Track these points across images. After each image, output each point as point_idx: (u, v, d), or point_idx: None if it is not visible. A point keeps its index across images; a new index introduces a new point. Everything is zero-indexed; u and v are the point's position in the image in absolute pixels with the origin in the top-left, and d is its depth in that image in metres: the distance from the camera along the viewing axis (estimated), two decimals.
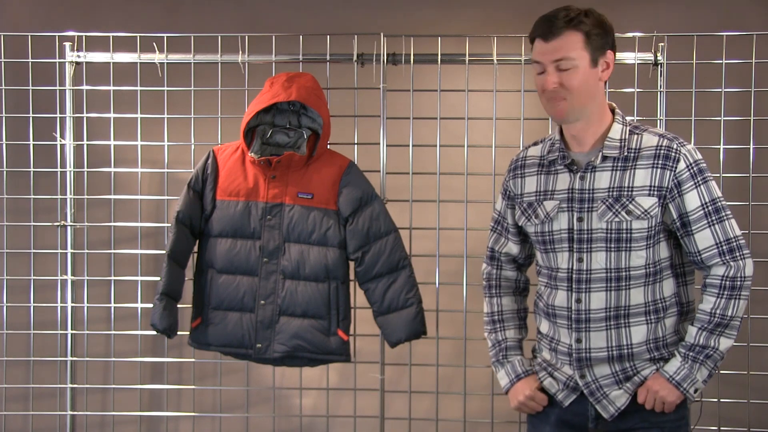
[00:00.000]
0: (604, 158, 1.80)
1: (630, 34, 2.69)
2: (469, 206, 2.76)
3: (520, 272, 2.07)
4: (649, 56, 2.70)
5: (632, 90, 2.74)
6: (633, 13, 3.28)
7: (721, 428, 2.79)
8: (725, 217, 1.78)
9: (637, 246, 1.78)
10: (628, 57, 2.71)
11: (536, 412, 1.93)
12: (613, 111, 1.86)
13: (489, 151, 2.79)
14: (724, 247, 1.77)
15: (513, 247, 2.03)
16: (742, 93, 2.82)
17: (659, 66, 2.71)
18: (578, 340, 1.82)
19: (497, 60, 2.72)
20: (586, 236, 1.80)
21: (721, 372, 2.75)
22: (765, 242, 2.96)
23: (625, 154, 1.79)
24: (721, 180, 2.73)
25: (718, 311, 1.76)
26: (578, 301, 1.81)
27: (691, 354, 1.77)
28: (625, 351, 1.80)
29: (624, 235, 1.77)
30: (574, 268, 1.82)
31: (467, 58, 2.74)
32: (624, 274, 1.79)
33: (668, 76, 2.73)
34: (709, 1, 3.28)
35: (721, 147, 2.75)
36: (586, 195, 1.81)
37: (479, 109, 3.00)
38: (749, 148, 2.75)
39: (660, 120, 2.71)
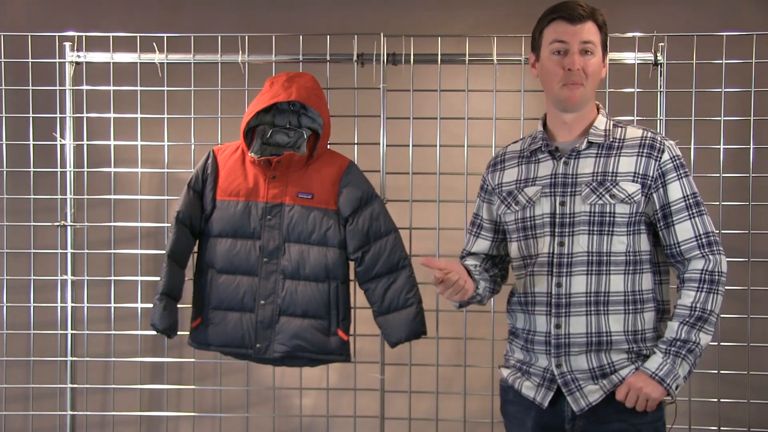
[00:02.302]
0: (590, 144, 1.84)
1: (630, 34, 2.69)
2: (469, 206, 2.76)
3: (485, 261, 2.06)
4: (649, 56, 2.70)
5: (632, 90, 2.74)
6: (633, 13, 3.28)
7: (721, 428, 2.79)
8: (704, 212, 1.82)
9: (619, 231, 1.79)
10: (628, 57, 2.71)
11: (512, 415, 1.93)
12: (597, 108, 1.92)
13: (489, 151, 2.78)
14: (703, 240, 1.79)
15: (482, 244, 2.04)
16: (742, 93, 2.82)
17: (659, 66, 2.71)
18: (557, 326, 1.81)
19: (497, 60, 2.72)
20: (568, 220, 1.82)
21: (721, 372, 2.75)
22: (765, 242, 2.96)
23: (610, 142, 1.84)
24: (721, 180, 2.73)
25: (698, 305, 1.76)
26: (558, 285, 1.81)
27: (672, 349, 1.76)
28: (605, 338, 1.79)
29: (607, 219, 1.79)
30: (555, 252, 1.83)
31: (467, 58, 2.74)
32: (605, 258, 1.79)
33: (668, 76, 2.73)
34: (709, 1, 3.28)
35: (721, 147, 2.75)
36: (570, 179, 1.83)
37: (479, 109, 3.00)
38: (749, 148, 2.75)
39: (660, 120, 2.71)
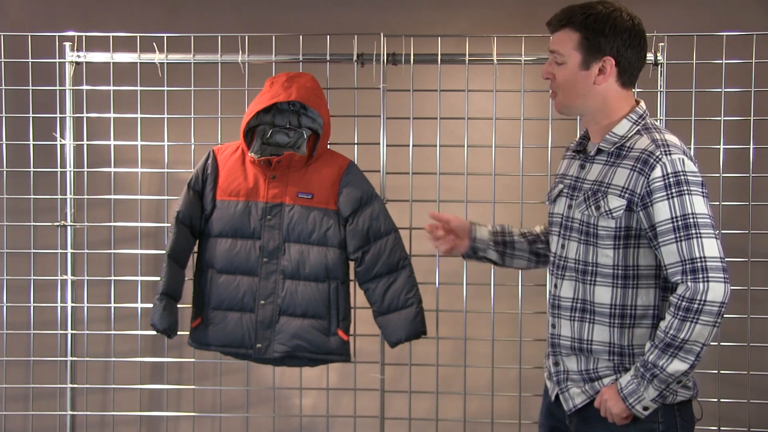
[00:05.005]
0: (599, 151, 1.81)
1: None
2: (469, 206, 2.76)
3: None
4: (649, 56, 2.70)
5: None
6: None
7: (721, 428, 2.79)
8: (695, 235, 1.64)
9: (603, 244, 1.74)
10: None
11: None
12: (632, 110, 1.81)
13: (489, 151, 2.79)
14: (687, 267, 1.64)
15: (537, 227, 2.11)
16: (742, 93, 2.82)
17: (659, 66, 2.71)
18: (553, 326, 1.86)
19: (497, 60, 2.72)
20: (569, 224, 1.83)
21: (721, 372, 2.75)
22: (765, 242, 2.96)
23: (618, 150, 1.76)
24: (721, 180, 2.73)
25: (670, 331, 1.64)
26: (555, 286, 1.85)
27: (641, 370, 1.69)
28: (585, 346, 1.78)
29: (591, 230, 1.76)
30: (558, 253, 1.85)
31: (467, 58, 2.74)
32: (590, 268, 1.77)
33: (668, 76, 2.73)
34: (709, 1, 3.28)
35: (721, 147, 2.75)
36: (578, 184, 1.83)
37: (479, 109, 3.00)
38: (749, 148, 2.75)
39: (660, 120, 2.71)
